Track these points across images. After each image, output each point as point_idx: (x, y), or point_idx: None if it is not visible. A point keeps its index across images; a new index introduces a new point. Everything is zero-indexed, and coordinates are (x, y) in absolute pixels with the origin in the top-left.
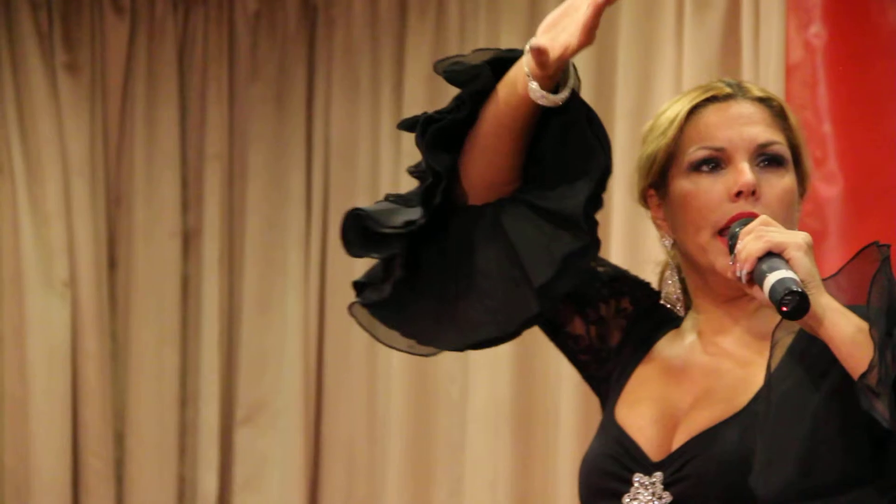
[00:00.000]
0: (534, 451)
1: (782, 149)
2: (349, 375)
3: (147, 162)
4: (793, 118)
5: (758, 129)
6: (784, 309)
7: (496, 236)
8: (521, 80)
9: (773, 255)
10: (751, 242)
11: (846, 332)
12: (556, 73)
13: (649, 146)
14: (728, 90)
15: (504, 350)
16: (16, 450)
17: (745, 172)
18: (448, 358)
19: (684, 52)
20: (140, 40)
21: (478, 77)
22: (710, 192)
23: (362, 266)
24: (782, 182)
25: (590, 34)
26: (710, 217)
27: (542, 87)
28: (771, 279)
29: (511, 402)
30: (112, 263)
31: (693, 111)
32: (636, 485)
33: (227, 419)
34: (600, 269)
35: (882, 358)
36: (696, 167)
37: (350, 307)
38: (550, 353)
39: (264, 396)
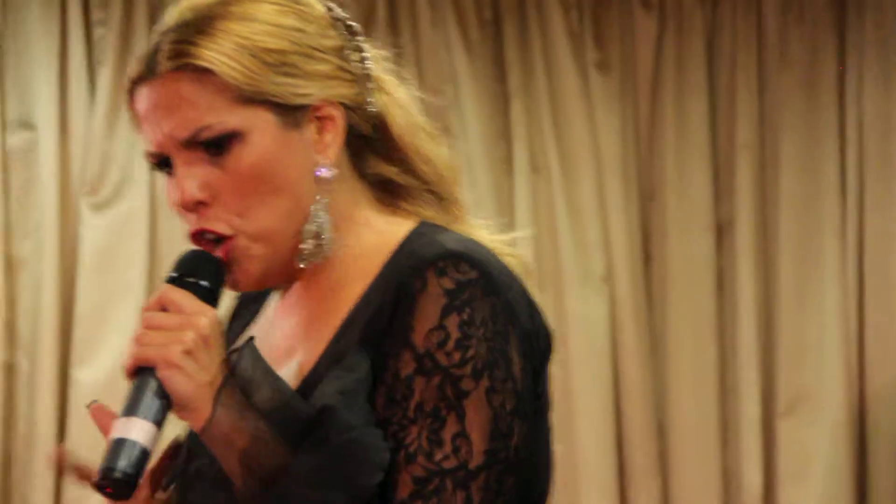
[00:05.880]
0: None
1: (212, 130)
2: (894, 364)
3: (678, 156)
4: (225, 64)
5: (174, 120)
6: (108, 490)
7: None
8: None
9: (146, 370)
10: (127, 352)
11: (226, 463)
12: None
13: None
14: (142, 69)
15: None
16: (562, 443)
17: (172, 190)
18: None
19: None
20: (668, 35)
21: None
22: (173, 199)
23: None
24: (233, 164)
25: None
26: (188, 226)
27: None
28: (112, 434)
29: None
30: (647, 258)
31: (131, 95)
32: None
33: (768, 411)
34: None
35: None
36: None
37: None
38: None
39: (805, 388)
